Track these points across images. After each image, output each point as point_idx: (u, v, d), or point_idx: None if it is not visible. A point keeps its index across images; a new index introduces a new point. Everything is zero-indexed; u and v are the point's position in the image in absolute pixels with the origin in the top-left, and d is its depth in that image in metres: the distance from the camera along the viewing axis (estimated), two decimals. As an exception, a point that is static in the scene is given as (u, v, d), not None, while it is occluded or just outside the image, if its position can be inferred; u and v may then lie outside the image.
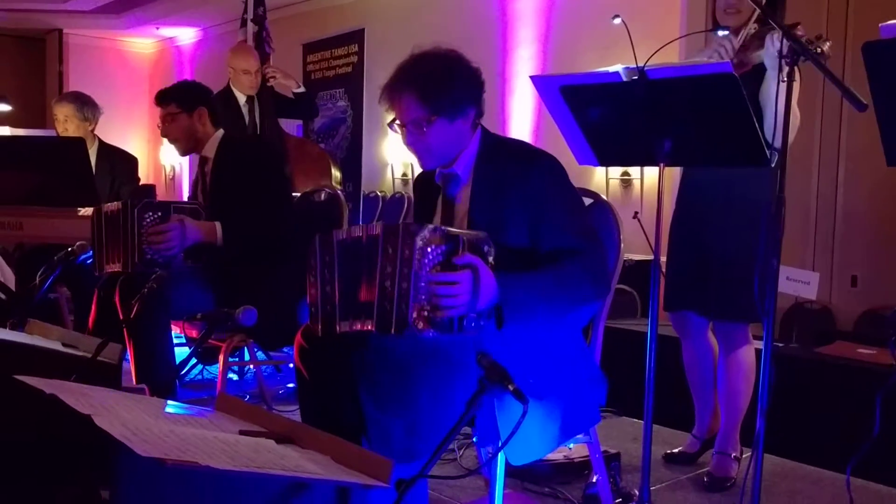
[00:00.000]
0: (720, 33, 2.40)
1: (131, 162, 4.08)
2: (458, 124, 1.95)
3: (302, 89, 4.45)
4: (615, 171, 5.79)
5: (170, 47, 10.71)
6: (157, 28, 10.08)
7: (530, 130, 6.41)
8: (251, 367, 3.81)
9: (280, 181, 3.12)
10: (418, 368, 1.78)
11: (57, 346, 2.33)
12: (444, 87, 1.92)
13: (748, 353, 2.64)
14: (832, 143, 4.77)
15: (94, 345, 2.21)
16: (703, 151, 2.13)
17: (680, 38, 2.20)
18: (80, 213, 3.32)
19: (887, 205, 4.47)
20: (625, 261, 3.94)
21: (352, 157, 7.91)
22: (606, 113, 2.16)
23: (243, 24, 4.90)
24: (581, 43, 5.97)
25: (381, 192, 7.62)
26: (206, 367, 3.80)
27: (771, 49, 2.23)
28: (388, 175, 7.69)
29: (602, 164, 2.37)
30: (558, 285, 1.79)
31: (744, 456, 2.69)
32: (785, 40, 1.85)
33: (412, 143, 1.96)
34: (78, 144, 3.54)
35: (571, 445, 2.52)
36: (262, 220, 2.92)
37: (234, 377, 3.91)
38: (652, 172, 4.87)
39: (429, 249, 1.67)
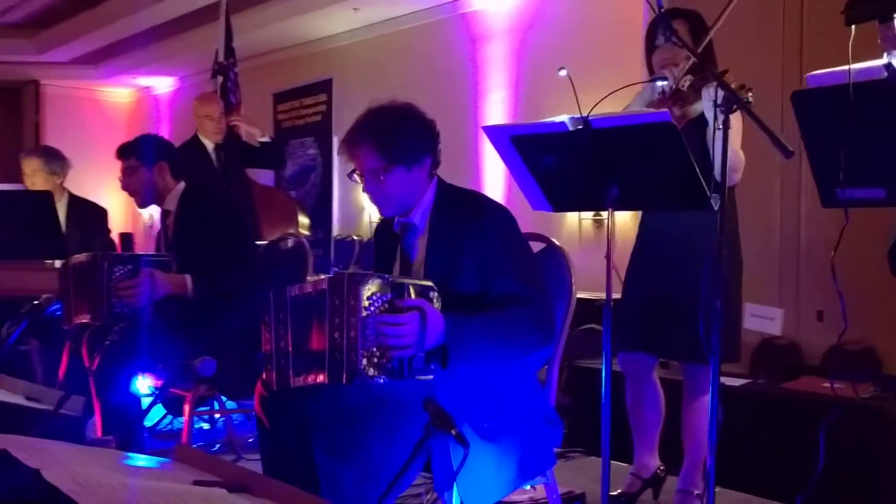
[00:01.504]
0: (658, 83, 2.50)
1: (101, 214, 4.13)
2: (415, 173, 2.03)
3: (266, 138, 4.52)
4: (588, 213, 5.88)
5: (147, 96, 10.81)
6: (134, 78, 10.19)
7: (504, 175, 6.50)
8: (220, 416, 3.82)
9: (240, 233, 3.15)
10: (370, 417, 1.82)
11: (20, 399, 2.36)
12: (399, 138, 2.01)
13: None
14: (793, 178, 4.87)
15: (57, 398, 2.23)
16: (648, 196, 2.21)
17: (617, 90, 2.27)
18: (49, 266, 3.35)
19: (849, 239, 4.55)
20: (594, 300, 3.99)
21: (322, 203, 7.99)
22: (556, 160, 2.23)
23: (213, 74, 4.99)
24: (551, 87, 6.09)
25: (357, 236, 7.68)
26: (176, 418, 3.81)
27: (707, 101, 2.32)
28: (365, 219, 7.76)
29: (555, 210, 2.44)
30: (504, 328, 1.85)
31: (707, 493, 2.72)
32: (719, 90, 1.93)
33: (371, 191, 2.04)
34: (45, 197, 3.59)
35: (530, 486, 2.55)
36: (231, 271, 2.95)
37: (206, 426, 3.91)
38: (624, 214, 4.96)
39: (374, 298, 1.73)
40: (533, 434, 1.99)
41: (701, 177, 2.02)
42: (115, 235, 4.39)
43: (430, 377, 1.79)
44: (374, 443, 1.78)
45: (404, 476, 1.64)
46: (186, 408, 2.75)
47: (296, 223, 4.35)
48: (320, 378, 1.77)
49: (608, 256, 2.22)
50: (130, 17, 7.97)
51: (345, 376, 1.72)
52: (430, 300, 1.80)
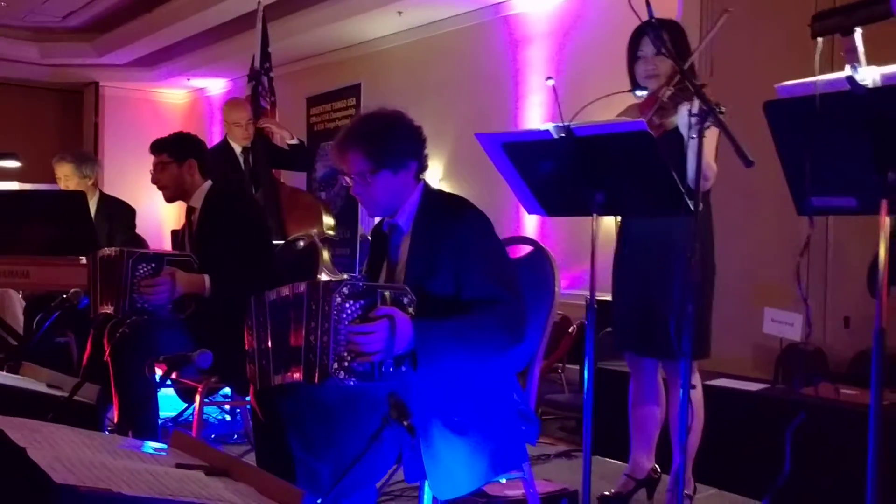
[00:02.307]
0: (638, 93, 2.54)
1: (129, 212, 4.34)
2: (401, 176, 2.13)
3: (296, 141, 4.67)
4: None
5: (200, 97, 11.13)
6: (188, 79, 10.50)
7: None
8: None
9: (262, 235, 3.26)
10: (344, 413, 1.93)
11: (41, 387, 2.52)
12: (386, 142, 2.11)
13: (697, 392, 2.73)
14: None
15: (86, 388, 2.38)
16: (631, 202, 2.27)
17: (601, 98, 2.33)
18: (83, 262, 3.53)
19: (877, 245, 4.49)
20: (609, 301, 4.02)
21: (349, 204, 8.16)
22: (545, 167, 2.30)
23: (249, 79, 5.17)
24: (590, 90, 6.11)
25: (382, 235, 7.80)
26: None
27: (683, 118, 2.36)
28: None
29: (549, 215, 2.50)
30: (472, 332, 1.93)
31: (697, 494, 2.76)
32: (697, 102, 1.98)
33: (359, 193, 2.14)
34: (79, 197, 3.78)
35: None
36: (248, 272, 3.06)
37: (228, 417, 4.06)
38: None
39: (347, 305, 1.84)
40: (505, 430, 2.06)
41: (680, 183, 2.07)
42: (167, 233, 4.60)
43: (400, 379, 1.89)
44: (348, 438, 1.88)
45: (372, 465, 1.73)
46: (197, 398, 2.90)
47: (320, 223, 4.49)
48: (297, 376, 1.89)
49: (592, 260, 2.28)
50: (183, 21, 8.24)
51: (317, 377, 1.84)
52: (404, 305, 1.90)
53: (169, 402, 3.63)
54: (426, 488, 1.94)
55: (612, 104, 2.64)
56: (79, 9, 8.73)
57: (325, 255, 3.49)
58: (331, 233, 4.51)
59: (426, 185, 2.22)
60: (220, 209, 3.21)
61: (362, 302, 1.86)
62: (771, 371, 4.45)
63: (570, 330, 5.41)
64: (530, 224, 6.47)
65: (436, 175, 7.43)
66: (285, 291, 1.97)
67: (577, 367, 5.22)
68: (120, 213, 4.31)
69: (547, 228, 6.37)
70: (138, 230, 4.58)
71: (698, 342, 2.42)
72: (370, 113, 2.19)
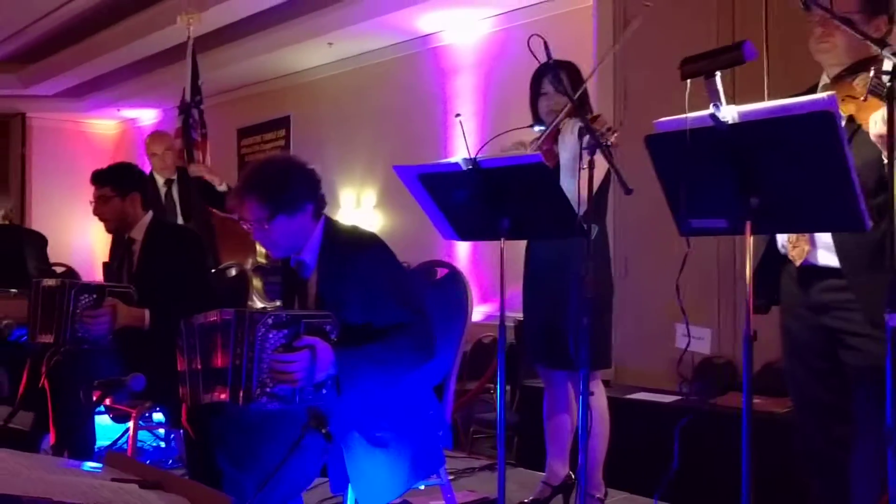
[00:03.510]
0: (536, 129, 2.78)
1: (40, 241, 4.39)
2: (298, 219, 2.28)
3: (224, 188, 4.76)
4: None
5: (132, 128, 11.09)
6: (119, 110, 10.48)
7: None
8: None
9: (201, 267, 3.36)
10: (266, 427, 2.09)
11: (-26, 416, 2.59)
12: (280, 189, 2.25)
13: (600, 400, 2.95)
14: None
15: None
16: (532, 226, 2.48)
17: (500, 134, 2.55)
18: (13, 293, 3.58)
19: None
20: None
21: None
22: (457, 196, 2.49)
23: (179, 112, 5.26)
24: (512, 117, 6.35)
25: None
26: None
27: (567, 143, 2.60)
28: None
29: (462, 240, 2.69)
30: (387, 355, 2.12)
31: (609, 498, 2.97)
32: (586, 133, 2.20)
33: (259, 238, 2.30)
34: (8, 231, 3.84)
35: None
36: (187, 304, 3.14)
37: (163, 444, 4.12)
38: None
39: (270, 335, 2.01)
40: (423, 439, 2.24)
41: (577, 209, 2.29)
42: (99, 265, 4.63)
43: (320, 402, 2.06)
44: (270, 450, 2.03)
45: (297, 476, 1.89)
46: (131, 423, 2.99)
47: (254, 251, 4.61)
48: (223, 396, 2.04)
49: (502, 281, 2.48)
50: (112, 52, 8.25)
51: (241, 400, 1.99)
52: (326, 332, 2.07)
53: (104, 432, 3.69)
54: (349, 497, 2.09)
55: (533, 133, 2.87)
56: (4, 39, 8.68)
57: (257, 283, 3.62)
58: (263, 261, 4.63)
59: (327, 221, 2.38)
60: (161, 242, 3.28)
61: (286, 331, 2.03)
62: (687, 384, 4.71)
63: (502, 349, 5.59)
64: (463, 248, 6.66)
65: (370, 203, 7.60)
66: (213, 317, 2.12)
67: (510, 387, 5.42)
68: (31, 244, 4.35)
69: (479, 252, 6.57)
70: (71, 262, 4.63)
71: (597, 354, 2.63)
72: (264, 161, 2.37)
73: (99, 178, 3.34)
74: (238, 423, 2.12)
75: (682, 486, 2.64)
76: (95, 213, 3.36)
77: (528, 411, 4.40)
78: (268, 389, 1.99)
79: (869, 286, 2.14)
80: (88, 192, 3.37)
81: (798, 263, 2.34)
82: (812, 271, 2.32)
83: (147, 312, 3.10)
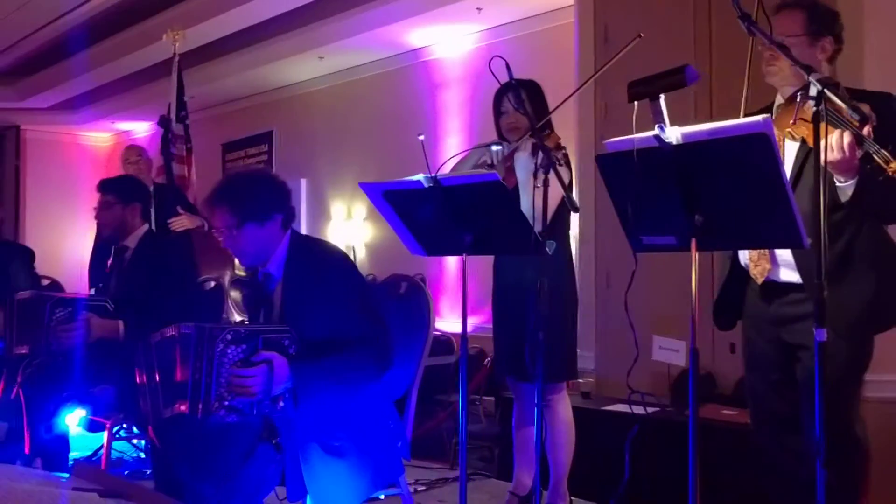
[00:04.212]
0: (493, 148, 2.86)
1: (26, 254, 4.45)
2: (267, 228, 2.37)
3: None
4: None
5: (126, 140, 11.15)
6: (113, 122, 10.56)
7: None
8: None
9: (188, 281, 3.44)
10: (225, 439, 2.14)
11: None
12: (249, 198, 2.35)
13: (565, 411, 3.01)
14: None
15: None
16: (493, 242, 2.54)
17: (462, 152, 2.62)
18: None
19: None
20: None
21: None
22: (421, 212, 2.56)
23: (159, 125, 5.33)
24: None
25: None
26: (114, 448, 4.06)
27: (522, 161, 2.67)
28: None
29: (428, 254, 2.75)
30: (344, 367, 2.19)
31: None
32: (541, 153, 2.27)
33: (228, 245, 2.38)
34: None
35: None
36: (167, 316, 3.21)
37: (143, 455, 4.16)
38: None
39: (229, 350, 2.08)
40: (381, 450, 2.30)
41: (534, 227, 2.35)
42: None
43: (277, 415, 2.12)
44: (226, 459, 2.09)
45: (255, 483, 1.95)
46: (105, 434, 3.05)
47: (232, 265, 4.67)
48: (183, 409, 2.11)
49: (464, 294, 2.54)
50: (104, 66, 8.35)
51: (200, 413, 2.06)
52: (284, 347, 2.14)
53: (85, 443, 3.75)
54: (308, 504, 2.15)
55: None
56: (-1, 53, 8.78)
57: (236, 295, 3.68)
58: (242, 273, 4.69)
59: (293, 234, 2.46)
60: (151, 252, 3.39)
61: (244, 346, 2.10)
62: (667, 395, 4.76)
63: (485, 362, 5.66)
64: (452, 261, 6.70)
65: (360, 215, 7.67)
66: (170, 332, 2.19)
67: (493, 398, 5.46)
68: (15, 257, 4.41)
69: (472, 266, 6.61)
70: (64, 272, 4.69)
71: (556, 366, 2.69)
72: (236, 172, 2.47)
73: (105, 185, 3.51)
74: (196, 432, 2.18)
75: (641, 495, 2.69)
76: (96, 217, 3.50)
77: (508, 423, 4.46)
78: (226, 403, 2.06)
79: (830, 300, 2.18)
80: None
81: (760, 281, 2.40)
82: (775, 286, 2.38)
83: (121, 324, 3.16)
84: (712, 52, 4.43)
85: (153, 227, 4.65)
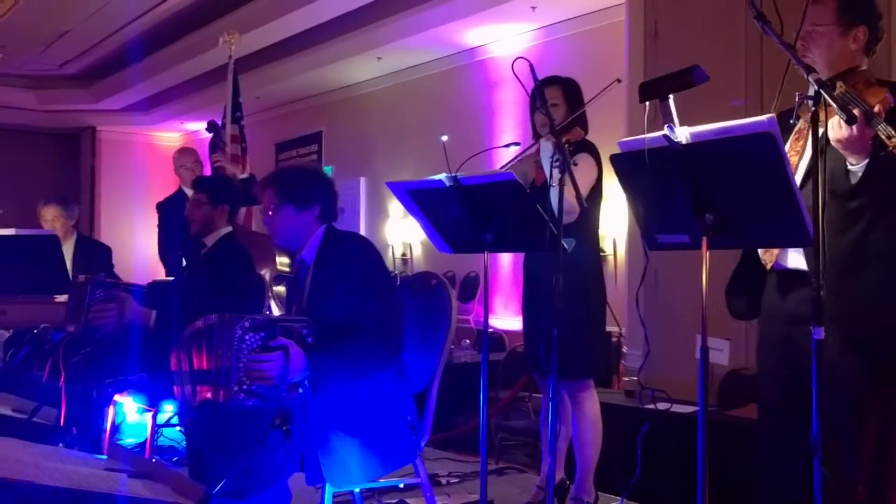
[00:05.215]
0: (512, 148, 2.90)
1: (105, 251, 4.69)
2: (305, 216, 2.51)
3: (246, 175, 4.96)
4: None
5: (194, 139, 11.52)
6: (182, 122, 10.91)
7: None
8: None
9: (246, 290, 3.53)
10: (242, 424, 2.25)
11: (7, 411, 2.84)
12: (293, 184, 2.52)
13: (592, 409, 3.03)
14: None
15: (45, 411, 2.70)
16: (513, 240, 2.58)
17: (487, 150, 2.67)
18: (56, 300, 3.87)
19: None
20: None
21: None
22: (444, 210, 2.62)
23: (207, 129, 5.48)
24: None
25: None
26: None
27: (544, 160, 2.71)
28: (389, 255, 8.20)
29: (454, 252, 2.81)
30: (350, 350, 2.27)
31: (599, 502, 3.05)
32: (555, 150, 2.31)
33: (267, 222, 2.55)
34: (52, 240, 4.12)
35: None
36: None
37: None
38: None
39: (247, 337, 2.19)
40: (395, 435, 2.39)
41: (552, 225, 2.39)
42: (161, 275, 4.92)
43: (295, 401, 2.23)
44: (244, 445, 2.19)
45: (278, 465, 2.06)
46: (149, 421, 3.20)
47: (275, 261, 4.83)
48: (207, 395, 2.23)
49: (486, 291, 2.59)
50: (175, 67, 8.65)
51: (221, 397, 2.17)
52: (303, 336, 2.24)
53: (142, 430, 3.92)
54: (327, 490, 2.24)
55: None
56: (74, 58, 9.16)
57: (279, 289, 3.81)
58: (285, 269, 4.86)
59: (330, 226, 2.58)
60: (223, 257, 3.47)
61: (262, 334, 2.22)
62: (714, 395, 4.72)
63: (533, 360, 5.68)
64: (506, 258, 6.71)
65: (414, 212, 7.76)
66: (199, 323, 2.31)
67: (540, 395, 5.49)
68: (97, 254, 4.65)
69: (518, 263, 6.65)
70: (135, 269, 4.93)
71: (580, 363, 2.72)
72: (291, 164, 2.58)
73: (199, 183, 3.65)
74: (218, 419, 2.30)
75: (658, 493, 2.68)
76: (186, 213, 3.60)
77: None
78: (245, 387, 2.17)
79: (841, 295, 2.15)
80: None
81: (769, 266, 2.37)
82: (787, 277, 2.34)
83: (154, 313, 3.30)
84: (763, 50, 4.37)
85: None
